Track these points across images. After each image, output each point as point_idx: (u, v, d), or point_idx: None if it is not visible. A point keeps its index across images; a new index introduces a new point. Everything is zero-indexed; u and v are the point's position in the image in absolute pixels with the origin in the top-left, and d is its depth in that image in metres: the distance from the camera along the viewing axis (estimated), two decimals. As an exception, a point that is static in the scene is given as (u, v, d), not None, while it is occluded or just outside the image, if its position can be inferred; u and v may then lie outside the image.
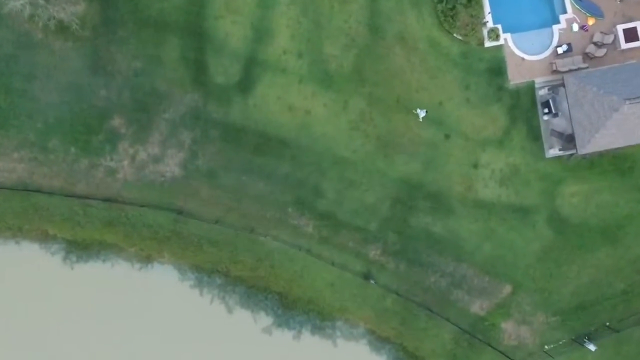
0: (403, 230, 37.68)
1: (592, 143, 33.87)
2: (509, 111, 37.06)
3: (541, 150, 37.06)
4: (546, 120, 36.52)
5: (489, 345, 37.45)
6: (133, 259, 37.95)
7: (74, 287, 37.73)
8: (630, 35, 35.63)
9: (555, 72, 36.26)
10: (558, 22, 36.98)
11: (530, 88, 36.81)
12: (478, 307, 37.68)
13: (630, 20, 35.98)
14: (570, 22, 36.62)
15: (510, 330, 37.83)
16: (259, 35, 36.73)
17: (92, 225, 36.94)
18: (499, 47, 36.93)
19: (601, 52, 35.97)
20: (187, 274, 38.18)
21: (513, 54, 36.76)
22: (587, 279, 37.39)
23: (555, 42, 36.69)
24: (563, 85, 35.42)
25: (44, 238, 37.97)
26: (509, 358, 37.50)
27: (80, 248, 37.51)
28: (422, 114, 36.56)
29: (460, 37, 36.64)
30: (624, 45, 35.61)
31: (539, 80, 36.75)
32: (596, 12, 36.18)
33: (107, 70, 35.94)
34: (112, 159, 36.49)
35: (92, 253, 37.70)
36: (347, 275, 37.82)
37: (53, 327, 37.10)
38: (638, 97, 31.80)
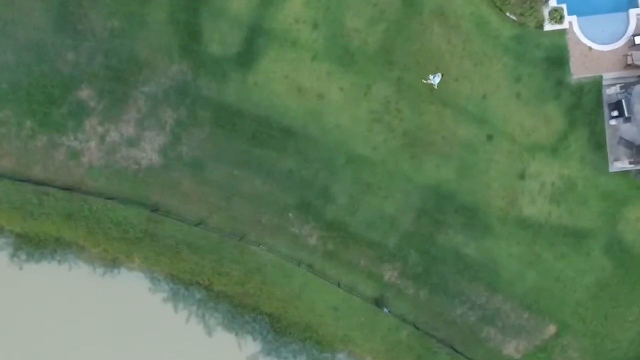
0: (428, 250, 29.57)
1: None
2: (567, 111, 28.90)
3: (604, 162, 29.80)
4: (613, 126, 28.21)
5: (524, 397, 29.22)
6: (96, 261, 30.69)
7: (22, 291, 30.11)
8: None
9: (630, 66, 28.18)
10: (636, 5, 28.30)
11: (597, 85, 29.02)
12: (513, 348, 29.84)
13: None
14: (651, 6, 28.36)
15: (551, 381, 29.45)
16: (266, -2, 28.28)
17: (48, 218, 29.35)
18: (562, 32, 28.73)
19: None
20: (160, 285, 30.45)
21: (578, 41, 28.58)
22: (651, 325, 28.77)
23: (631, 29, 28.70)
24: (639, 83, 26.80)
25: (-13, 230, 29.51)
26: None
27: (32, 244, 30.25)
28: (436, 79, 29.36)
29: (514, 17, 28.47)
30: None
31: (608, 76, 28.98)
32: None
33: (77, 28, 28.23)
34: (76, 138, 28.56)
35: (46, 251, 30.11)
36: (355, 299, 30.59)
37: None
38: None
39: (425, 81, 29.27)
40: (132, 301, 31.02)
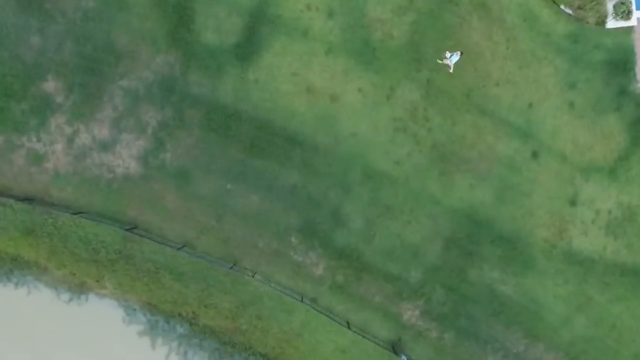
0: (457, 286, 24.13)
1: None
2: (630, 126, 23.27)
3: (673, 188, 23.04)
4: (687, 146, 22.30)
5: None
6: (60, 285, 25.64)
7: (-28, 319, 24.22)
8: None
9: None
10: None
11: (668, 95, 22.73)
12: (555, 409, 23.69)
13: None
14: None
15: None
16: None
17: (4, 233, 24.40)
18: (628, 31, 23.22)
19: None
20: (136, 315, 24.97)
21: (648, 42, 22.68)
22: None
23: None
24: None
25: None
26: None
27: (-16, 264, 23.69)
28: (454, 58, 24.16)
29: (570, 11, 22.91)
30: None
31: (682, 85, 22.60)
32: None
33: (44, 8, 22.76)
34: (39, 140, 22.99)
35: (1, 272, 23.54)
36: (367, 342, 25.94)
37: None
38: None
39: (440, 61, 23.98)
40: (102, 333, 25.67)
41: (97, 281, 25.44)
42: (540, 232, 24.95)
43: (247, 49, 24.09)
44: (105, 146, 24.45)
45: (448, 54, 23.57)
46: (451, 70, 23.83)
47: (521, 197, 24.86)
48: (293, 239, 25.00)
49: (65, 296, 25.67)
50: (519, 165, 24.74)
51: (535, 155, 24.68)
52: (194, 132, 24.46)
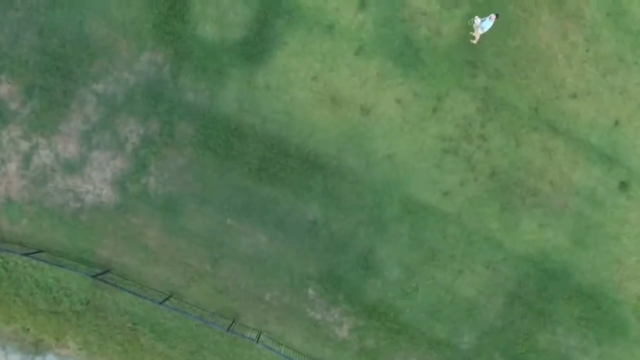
0: (522, 356, 16.79)
1: None
2: None
3: None
4: None
5: None
6: (9, 344, 20.06)
7: None
8: None
9: None
10: None
11: None
12: None
13: None
14: None
15: None
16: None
17: None
18: None
19: None
20: (106, 385, 18.01)
21: None
22: None
23: None
24: None
25: None
26: None
27: None
28: (486, 24, 18.31)
29: (667, 3, 16.82)
30: None
31: None
32: None
33: (2, -9, 16.56)
34: (-13, 157, 16.79)
35: None
36: None
37: None
38: None
39: (470, 24, 18.47)
40: (63, 408, 18.90)
41: (57, 339, 19.28)
42: (631, 286, 18.37)
43: (256, 46, 18.10)
44: (72, 167, 18.28)
45: (477, 20, 17.57)
46: (475, 41, 18.19)
47: (606, 241, 18.45)
48: (310, 291, 18.58)
49: (16, 357, 19.08)
50: (603, 199, 18.46)
51: (623, 186, 18.35)
52: (185, 150, 18.26)
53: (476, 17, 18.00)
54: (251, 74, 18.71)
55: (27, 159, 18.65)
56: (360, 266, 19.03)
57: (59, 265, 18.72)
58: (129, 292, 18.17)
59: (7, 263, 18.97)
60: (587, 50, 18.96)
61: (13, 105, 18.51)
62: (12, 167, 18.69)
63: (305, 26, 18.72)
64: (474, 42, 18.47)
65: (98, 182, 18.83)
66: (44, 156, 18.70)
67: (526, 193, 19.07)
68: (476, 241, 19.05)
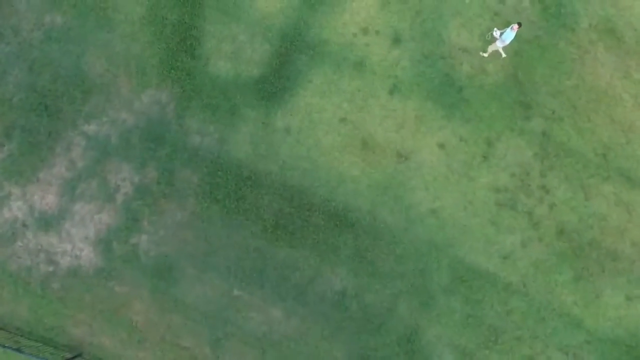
0: None
1: None
2: None
3: None
4: None
5: None
6: None
7: None
8: None
9: None
10: None
11: None
12: None
13: None
14: None
15: None
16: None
17: None
18: None
19: None
20: None
21: None
22: None
23: None
24: None
25: None
26: None
27: None
28: (508, 35, 13.42)
29: None
30: None
31: None
32: None
33: (-6, 25, 11.99)
34: (-53, 209, 11.01)
35: None
36: None
37: None
38: None
39: (487, 38, 13.92)
40: None
41: None
42: None
43: (275, 84, 13.13)
44: (48, 222, 12.60)
45: (497, 32, 13.40)
46: (487, 55, 14.03)
47: None
48: (340, 384, 11.90)
49: None
50: None
51: None
52: (187, 203, 12.59)
53: (495, 29, 13.31)
54: (268, 115, 13.56)
55: (-6, 211, 12.94)
56: (402, 350, 12.51)
57: (16, 350, 12.27)
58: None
59: (-46, 344, 12.50)
60: (656, 91, 13.78)
61: (-19, 146, 13.16)
62: (-26, 220, 12.92)
63: (331, 62, 13.91)
64: (485, 55, 13.86)
65: (78, 241, 12.95)
66: (15, 209, 13.09)
67: (604, 257, 12.97)
68: (548, 318, 12.64)
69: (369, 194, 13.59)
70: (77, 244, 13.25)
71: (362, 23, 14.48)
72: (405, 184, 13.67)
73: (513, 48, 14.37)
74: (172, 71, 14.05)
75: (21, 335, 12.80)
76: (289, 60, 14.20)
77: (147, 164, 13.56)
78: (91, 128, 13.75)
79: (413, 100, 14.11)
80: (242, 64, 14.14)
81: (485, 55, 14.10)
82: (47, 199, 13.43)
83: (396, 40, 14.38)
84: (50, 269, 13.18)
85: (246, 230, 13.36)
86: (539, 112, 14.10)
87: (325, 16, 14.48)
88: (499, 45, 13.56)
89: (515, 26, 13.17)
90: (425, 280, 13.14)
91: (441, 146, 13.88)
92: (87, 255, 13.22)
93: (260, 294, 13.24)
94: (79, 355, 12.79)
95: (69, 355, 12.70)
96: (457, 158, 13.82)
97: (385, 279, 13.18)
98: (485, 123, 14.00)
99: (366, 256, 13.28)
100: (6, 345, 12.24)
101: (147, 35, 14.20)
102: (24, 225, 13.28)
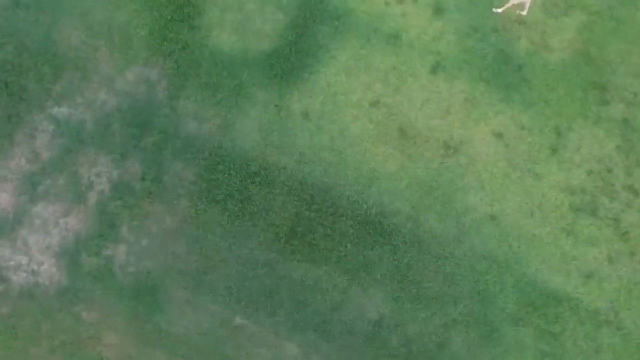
0: None
1: None
2: None
3: None
4: None
5: None
6: None
7: None
8: None
9: None
10: None
11: None
12: None
13: None
14: None
15: None
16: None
17: None
18: None
19: None
20: None
21: None
22: None
23: None
24: None
25: None
26: None
27: None
28: None
29: None
30: None
31: None
32: None
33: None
34: None
35: None
36: None
37: None
38: None
39: (495, 10, 8.84)
40: None
41: None
42: None
43: (290, 59, 8.68)
44: (0, 228, 7.77)
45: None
46: (525, 12, 8.43)
47: None
48: None
49: None
50: None
51: None
52: (178, 204, 7.94)
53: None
54: (282, 96, 9.10)
55: None
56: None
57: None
58: None
59: None
60: None
61: None
62: None
63: (359, 35, 9.49)
64: (499, 10, 9.32)
65: (37, 252, 8.37)
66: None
67: None
68: (653, 358, 7.81)
69: (409, 195, 9.01)
70: (35, 256, 8.66)
71: None
72: (455, 183, 9.11)
73: (580, 19, 9.90)
74: (165, 44, 9.67)
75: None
76: (308, 32, 9.81)
77: (130, 156, 9.05)
78: (62, 111, 9.30)
79: (461, 81, 9.66)
80: (250, 36, 9.75)
81: (499, 11, 9.81)
82: (2, 200, 8.86)
83: (438, 10, 10.00)
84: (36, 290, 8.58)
85: (253, 240, 8.77)
86: (617, 95, 9.60)
87: None
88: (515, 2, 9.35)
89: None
90: (485, 306, 8.45)
91: (498, 136, 9.35)
92: (48, 270, 8.61)
93: (271, 323, 8.57)
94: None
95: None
96: (519, 150, 9.28)
97: (434, 305, 8.50)
98: (552, 108, 9.49)
99: (408, 275, 8.64)
100: None
101: (136, 2, 9.85)
102: (-31, 232, 8.71)
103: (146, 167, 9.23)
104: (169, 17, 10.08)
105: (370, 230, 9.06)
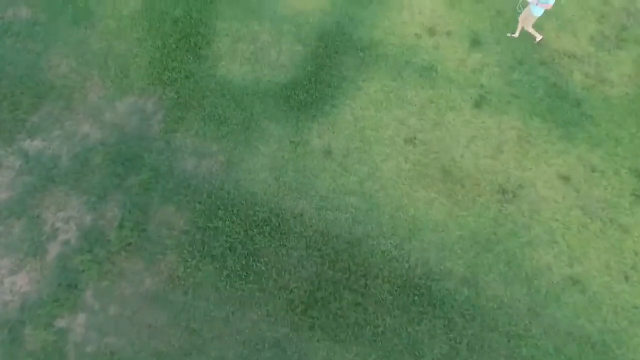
0: None
1: None
2: None
3: None
4: None
5: None
6: None
7: None
8: None
9: None
10: None
11: None
12: None
13: None
14: None
15: None
16: None
17: None
18: None
19: None
20: None
21: None
22: None
23: None
24: None
25: None
26: None
27: None
28: (536, 9, 5.46)
29: None
30: None
31: None
32: None
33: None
34: None
35: None
36: None
37: None
38: None
39: (519, 10, 5.92)
40: None
41: None
42: None
43: (310, 91, 6.17)
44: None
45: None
46: (537, 40, 5.80)
47: None
48: None
49: None
50: None
51: None
52: (164, 261, 4.96)
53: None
54: (300, 131, 6.44)
55: None
56: None
57: None
58: None
59: None
60: None
61: None
62: None
63: (389, 67, 7.14)
64: (537, 40, 6.93)
65: (3, 280, 5.15)
66: None
67: None
68: None
69: (462, 250, 5.92)
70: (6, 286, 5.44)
71: (427, 23, 7.85)
72: (519, 236, 6.05)
73: (636, 52, 7.48)
74: (166, 72, 7.23)
75: None
76: (330, 63, 7.39)
77: (109, 197, 6.14)
78: (34, 145, 6.61)
79: (511, 116, 7.00)
80: (264, 67, 7.32)
81: (515, 35, 7.42)
82: None
83: (475, 42, 7.65)
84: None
85: (259, 309, 5.55)
86: (700, 132, 6.81)
87: (377, 15, 7.90)
88: (534, 13, 6.97)
89: None
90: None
91: (565, 179, 6.48)
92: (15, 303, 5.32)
93: None
94: None
95: None
96: (593, 196, 6.33)
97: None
98: (625, 147, 6.72)
99: (471, 343, 5.23)
100: None
101: (138, 31, 7.60)
102: None
103: (127, 211, 6.29)
104: (174, 46, 7.74)
105: (415, 298, 5.86)
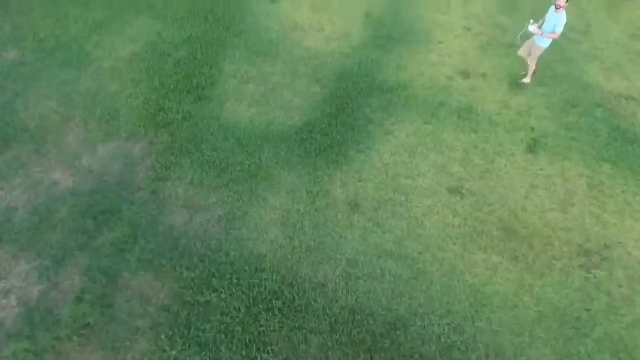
0: None
1: None
2: None
3: None
4: None
5: None
6: None
7: None
8: None
9: None
10: None
11: None
12: None
13: None
14: None
15: None
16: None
17: None
18: None
19: None
20: None
21: None
22: None
23: None
24: None
25: None
26: None
27: None
28: (554, 24, 4.63)
29: None
30: None
31: None
32: None
33: None
34: None
35: None
36: None
37: None
38: None
39: (517, 42, 4.91)
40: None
41: None
42: None
43: (330, 134, 4.91)
44: None
45: (532, 23, 5.24)
46: (530, 74, 5.45)
47: None
48: None
49: None
50: None
51: None
52: (131, 350, 2.85)
53: (530, 20, 5.64)
54: (318, 180, 4.85)
55: None
56: None
57: None
58: None
59: None
60: None
61: None
62: None
63: (421, 109, 5.86)
64: (526, 81, 6.25)
65: None
66: None
67: None
68: None
69: (548, 334, 3.96)
70: None
71: (459, 65, 6.76)
72: (619, 313, 4.06)
73: None
74: (161, 113, 5.89)
75: None
76: (352, 105, 6.09)
77: (69, 261, 4.35)
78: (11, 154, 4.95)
79: (574, 162, 5.50)
80: (275, 109, 6.01)
81: (527, 81, 6.39)
82: None
83: (514, 85, 6.43)
84: None
85: None
86: None
87: (403, 57, 6.83)
88: (539, 44, 5.74)
89: (561, 1, 5.47)
90: None
91: None
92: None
93: None
94: None
95: None
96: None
97: None
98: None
99: None
100: None
101: (134, 72, 6.44)
102: None
103: (90, 280, 4.44)
104: (173, 87, 6.47)
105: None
